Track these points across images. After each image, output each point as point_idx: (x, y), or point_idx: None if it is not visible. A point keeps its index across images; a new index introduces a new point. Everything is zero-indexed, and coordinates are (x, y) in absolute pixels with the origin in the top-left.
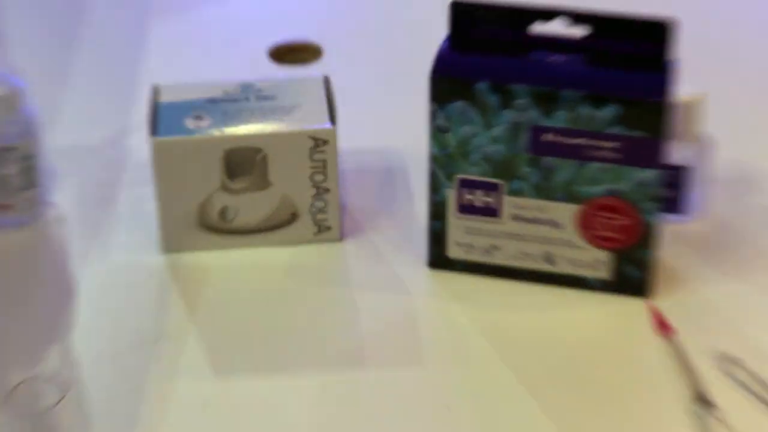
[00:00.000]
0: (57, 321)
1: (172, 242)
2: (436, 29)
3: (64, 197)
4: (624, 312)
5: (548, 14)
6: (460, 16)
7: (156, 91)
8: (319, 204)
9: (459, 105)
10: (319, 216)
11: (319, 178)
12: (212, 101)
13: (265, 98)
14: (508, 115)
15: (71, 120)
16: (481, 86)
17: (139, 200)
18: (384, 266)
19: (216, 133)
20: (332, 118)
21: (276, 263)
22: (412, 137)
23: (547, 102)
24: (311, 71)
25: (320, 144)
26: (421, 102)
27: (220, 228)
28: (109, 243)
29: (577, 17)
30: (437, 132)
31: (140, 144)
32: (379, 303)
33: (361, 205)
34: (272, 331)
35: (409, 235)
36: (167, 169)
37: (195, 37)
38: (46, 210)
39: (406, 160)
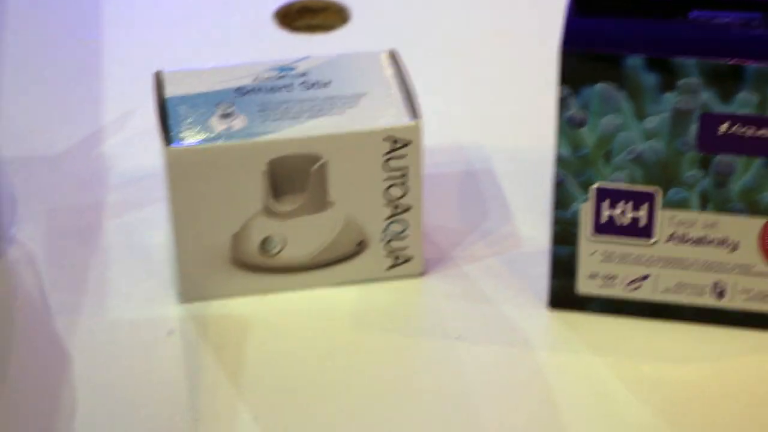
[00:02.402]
0: (45, 407)
1: (195, 287)
2: None
3: (29, 231)
4: None
5: None
6: None
7: (159, 81)
8: (396, 228)
9: (601, 89)
10: (396, 243)
11: (396, 192)
12: (242, 91)
13: (315, 85)
14: (670, 100)
15: (13, 121)
16: (634, 62)
17: (135, 230)
18: (488, 308)
19: (256, 137)
20: (414, 110)
21: (339, 310)
22: (498, 127)
23: (725, 81)
24: (336, 41)
25: (399, 146)
26: (505, 77)
27: (261, 265)
28: (104, 292)
29: None
30: (568, 126)
31: (121, 151)
32: (489, 359)
33: (442, 224)
34: (346, 403)
35: (515, 265)
36: (188, 189)
37: None
38: (8, 250)
39: (493, 159)
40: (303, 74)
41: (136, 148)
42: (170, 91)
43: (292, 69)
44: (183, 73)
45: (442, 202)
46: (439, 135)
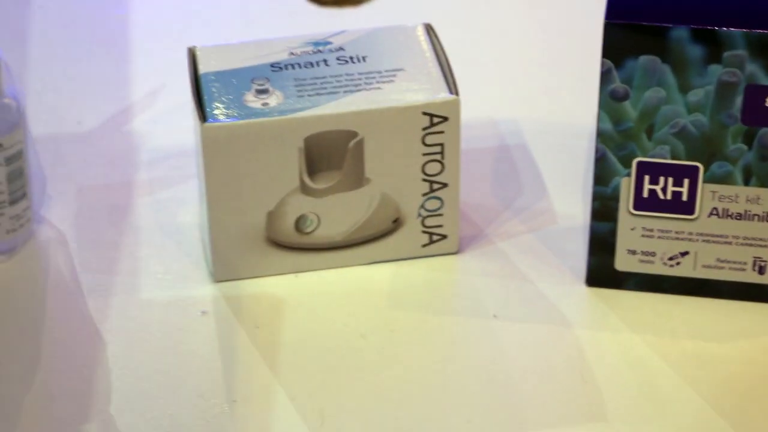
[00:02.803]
0: (80, 388)
1: (229, 266)
2: None
3: (59, 211)
4: None
5: None
6: None
7: (192, 56)
8: (432, 205)
9: (645, 61)
10: (431, 221)
11: (433, 168)
12: (277, 67)
13: (351, 60)
14: (715, 73)
15: (40, 98)
16: (679, 34)
17: (166, 209)
18: (524, 286)
19: (293, 113)
20: (451, 85)
21: (374, 288)
22: (532, 102)
23: None
24: (366, 15)
25: (437, 122)
26: (539, 51)
27: (295, 244)
28: (136, 272)
29: None
30: (611, 100)
31: (151, 128)
32: (527, 338)
33: (476, 201)
34: (383, 383)
35: (551, 242)
36: (224, 167)
37: None
38: (38, 230)
39: (526, 134)
40: (339, 49)
41: (165, 124)
42: (204, 67)
43: (327, 44)
44: (216, 48)
45: (475, 177)
46: (472, 109)
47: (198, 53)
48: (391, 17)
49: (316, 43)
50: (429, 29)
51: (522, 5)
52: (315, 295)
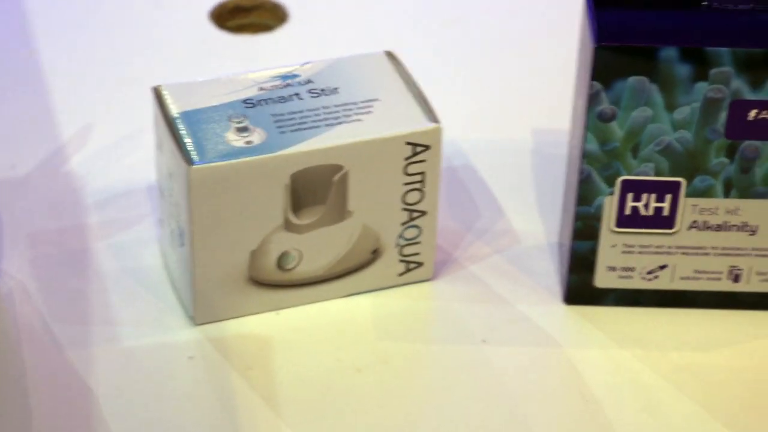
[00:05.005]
0: None
1: (210, 308)
2: None
3: (15, 261)
4: None
5: None
6: None
7: (160, 97)
8: (410, 233)
9: (633, 82)
10: (408, 249)
11: (413, 197)
12: (250, 103)
13: (323, 92)
14: (701, 90)
15: None
16: (668, 54)
17: (127, 252)
18: (505, 308)
19: (280, 150)
20: (429, 113)
21: (357, 321)
22: (466, 122)
23: (756, 68)
24: (280, 40)
25: (419, 151)
26: (465, 71)
27: (276, 281)
28: (111, 320)
29: None
30: (597, 121)
31: (90, 168)
32: (520, 361)
33: (439, 226)
34: (388, 416)
35: (519, 262)
36: (209, 209)
37: None
38: None
39: (469, 155)
40: (308, 81)
41: (104, 163)
42: (176, 108)
43: (295, 76)
44: (182, 86)
45: None
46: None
47: (164, 92)
48: (307, 42)
49: (284, 77)
50: (391, 57)
51: (439, 22)
52: (300, 331)
